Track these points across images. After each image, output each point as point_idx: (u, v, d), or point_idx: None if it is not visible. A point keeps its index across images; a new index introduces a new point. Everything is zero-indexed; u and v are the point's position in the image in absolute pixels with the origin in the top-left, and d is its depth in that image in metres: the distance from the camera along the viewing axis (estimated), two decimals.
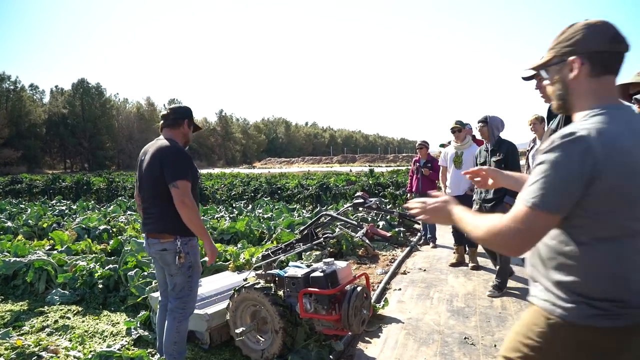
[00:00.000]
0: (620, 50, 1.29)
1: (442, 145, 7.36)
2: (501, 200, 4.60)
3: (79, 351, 3.40)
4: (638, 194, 1.21)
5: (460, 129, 5.74)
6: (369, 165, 46.53)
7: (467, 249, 6.54)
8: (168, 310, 2.96)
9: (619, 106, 1.30)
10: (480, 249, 5.74)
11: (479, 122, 4.81)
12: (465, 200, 5.51)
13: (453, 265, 5.80)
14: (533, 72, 2.49)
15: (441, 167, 6.19)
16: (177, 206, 2.70)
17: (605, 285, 1.23)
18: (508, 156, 4.58)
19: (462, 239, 5.94)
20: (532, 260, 1.39)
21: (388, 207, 10.92)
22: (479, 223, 1.35)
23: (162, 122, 3.01)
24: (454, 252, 5.93)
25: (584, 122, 1.24)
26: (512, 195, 4.67)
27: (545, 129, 4.92)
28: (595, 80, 1.30)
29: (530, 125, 5.45)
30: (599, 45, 1.28)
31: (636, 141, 1.22)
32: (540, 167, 1.23)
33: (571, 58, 1.31)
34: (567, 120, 2.25)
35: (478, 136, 5.82)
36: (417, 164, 7.21)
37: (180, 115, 2.97)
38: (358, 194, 3.67)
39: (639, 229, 1.22)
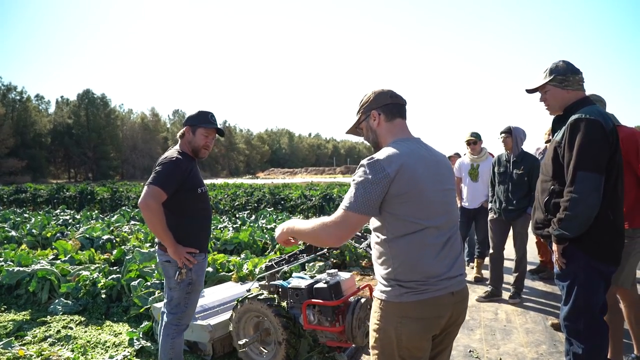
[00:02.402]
0: (399, 102, 1.87)
1: (449, 158, 7.32)
2: (524, 211, 4.57)
3: None
4: (420, 198, 1.65)
5: (476, 141, 5.57)
6: None
7: (467, 262, 6.50)
8: (163, 325, 2.89)
9: (408, 139, 1.82)
10: (486, 261, 5.70)
11: (502, 133, 4.67)
12: (480, 212, 5.49)
13: None
14: (536, 86, 2.51)
15: (455, 178, 6.00)
16: (140, 205, 2.66)
17: (406, 270, 1.66)
18: (532, 171, 4.46)
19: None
20: (374, 265, 1.81)
21: None
22: (311, 222, 1.77)
23: None
24: None
25: (381, 151, 1.72)
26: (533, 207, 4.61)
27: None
28: (390, 123, 1.84)
29: (547, 135, 5.38)
30: (385, 101, 1.85)
31: (418, 160, 1.69)
32: (353, 182, 1.68)
33: (373, 112, 1.85)
34: (572, 134, 2.25)
35: (467, 157, 5.76)
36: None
37: (183, 124, 2.94)
38: None
39: (424, 225, 1.66)
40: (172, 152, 2.87)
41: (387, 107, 1.85)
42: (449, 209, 1.76)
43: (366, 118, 1.89)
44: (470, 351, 3.50)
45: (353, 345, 3.35)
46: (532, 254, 6.76)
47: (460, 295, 1.78)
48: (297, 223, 1.86)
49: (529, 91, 2.59)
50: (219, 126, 2.95)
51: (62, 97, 74.32)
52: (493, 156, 5.48)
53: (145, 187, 2.68)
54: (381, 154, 1.68)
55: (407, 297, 1.66)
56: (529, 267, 5.96)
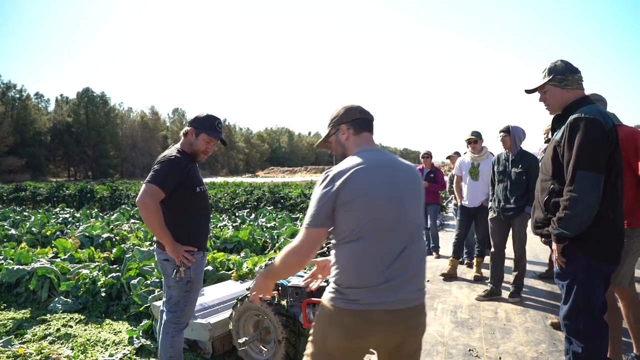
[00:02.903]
0: (367, 118, 1.93)
1: (449, 157, 7.31)
2: (521, 210, 4.57)
3: None
4: (367, 207, 1.66)
5: (476, 139, 5.56)
6: None
7: (464, 260, 6.48)
8: (162, 324, 2.89)
9: (370, 149, 1.85)
10: (486, 260, 5.70)
11: (500, 132, 4.67)
12: (480, 211, 5.49)
13: (444, 275, 5.66)
14: (535, 86, 2.51)
15: (456, 177, 5.96)
16: (137, 204, 2.66)
17: (344, 276, 1.69)
18: (530, 170, 4.48)
19: (459, 253, 5.90)
20: None
21: None
22: (279, 255, 1.78)
23: None
24: (449, 264, 5.82)
25: (338, 164, 1.78)
26: (531, 206, 4.61)
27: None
28: (357, 136, 1.90)
29: (545, 134, 5.40)
30: (355, 115, 1.91)
31: (372, 168, 1.72)
32: (311, 199, 1.74)
33: (342, 126, 1.91)
34: (572, 133, 2.25)
35: (468, 156, 5.75)
36: (420, 173, 7.18)
37: (188, 124, 2.94)
38: None
39: (366, 234, 1.66)
40: (172, 150, 2.87)
41: (355, 121, 1.90)
42: (404, 219, 1.72)
43: (335, 132, 1.94)
44: (469, 350, 3.50)
45: None
46: (532, 253, 6.76)
47: (402, 315, 1.69)
48: (270, 267, 1.86)
49: (528, 91, 2.59)
50: (222, 136, 2.96)
51: (61, 95, 74.33)
52: (494, 155, 5.48)
53: (143, 186, 2.68)
54: (336, 167, 1.75)
55: (338, 302, 1.69)
56: (534, 268, 5.96)
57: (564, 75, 2.39)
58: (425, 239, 7.67)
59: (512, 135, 4.62)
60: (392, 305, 1.66)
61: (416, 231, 1.77)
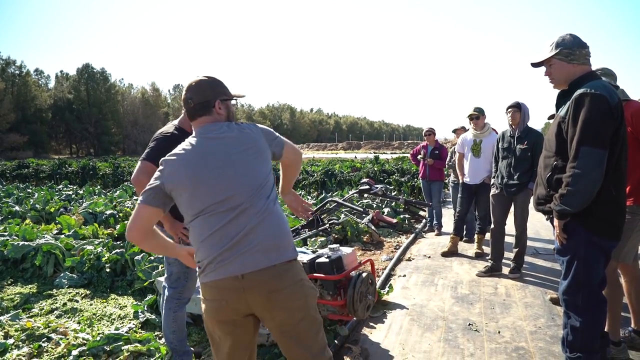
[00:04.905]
0: (193, 105, 1.92)
1: (455, 131, 7.24)
2: (525, 186, 4.58)
3: (87, 333, 3.45)
4: (191, 193, 1.78)
5: (478, 115, 5.49)
6: (374, 152, 46.44)
7: (463, 237, 6.50)
8: (165, 299, 2.92)
9: (200, 132, 1.90)
10: (487, 236, 5.73)
11: (510, 107, 4.62)
12: (481, 188, 5.48)
13: (444, 254, 5.70)
14: (542, 59, 2.48)
15: (458, 154, 5.90)
16: (132, 182, 2.67)
17: (199, 252, 1.81)
18: (535, 147, 4.46)
19: (460, 230, 5.92)
20: None
21: (393, 194, 10.92)
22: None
23: None
24: (449, 241, 5.85)
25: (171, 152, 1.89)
26: (534, 182, 4.62)
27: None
28: (193, 122, 1.96)
29: None
30: (185, 106, 1.98)
31: (195, 156, 1.81)
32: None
33: None
34: (576, 109, 2.23)
35: (470, 133, 5.70)
36: (425, 150, 7.17)
37: None
38: (364, 180, 3.66)
39: (199, 212, 1.78)
40: (168, 127, 2.86)
41: (188, 112, 1.98)
42: (235, 190, 1.78)
43: None
44: (469, 324, 3.56)
45: (354, 318, 3.41)
46: (533, 230, 6.79)
47: (255, 279, 1.74)
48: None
49: (535, 65, 2.55)
50: None
51: (61, 71, 73.68)
52: (497, 132, 5.43)
53: (139, 163, 2.68)
54: (167, 155, 1.87)
55: (201, 278, 1.82)
56: (535, 245, 5.99)
57: (571, 49, 2.35)
58: (428, 215, 7.72)
59: (522, 111, 4.59)
60: (238, 270, 1.74)
61: (246, 196, 1.80)
